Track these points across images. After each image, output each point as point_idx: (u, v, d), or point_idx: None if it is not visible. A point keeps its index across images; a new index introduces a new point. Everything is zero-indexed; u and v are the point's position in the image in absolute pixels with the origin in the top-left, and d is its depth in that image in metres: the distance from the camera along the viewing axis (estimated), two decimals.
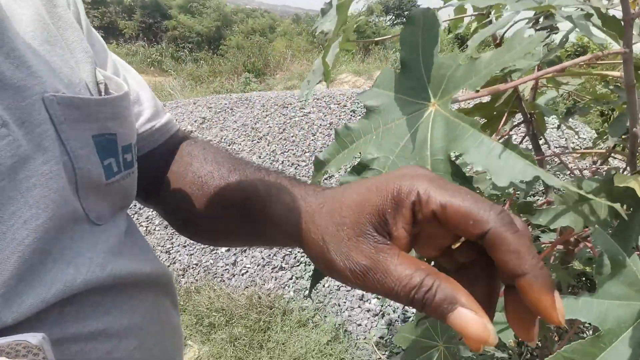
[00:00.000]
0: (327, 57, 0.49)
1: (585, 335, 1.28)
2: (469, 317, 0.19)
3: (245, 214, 0.35)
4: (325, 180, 2.70)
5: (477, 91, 0.34)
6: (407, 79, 0.35)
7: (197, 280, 2.19)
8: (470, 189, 0.29)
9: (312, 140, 3.14)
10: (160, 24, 11.01)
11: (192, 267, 2.27)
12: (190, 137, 0.47)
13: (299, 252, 2.21)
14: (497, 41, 0.65)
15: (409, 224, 0.22)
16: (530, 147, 1.16)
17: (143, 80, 0.44)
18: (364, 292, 1.95)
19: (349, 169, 0.37)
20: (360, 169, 0.35)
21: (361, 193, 0.24)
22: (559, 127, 0.90)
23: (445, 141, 0.32)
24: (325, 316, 1.86)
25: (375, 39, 0.73)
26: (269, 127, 3.35)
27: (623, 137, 0.67)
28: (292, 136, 3.19)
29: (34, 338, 0.22)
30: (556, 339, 1.17)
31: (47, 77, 0.26)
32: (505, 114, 0.72)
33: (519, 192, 0.99)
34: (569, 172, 0.89)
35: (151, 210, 1.47)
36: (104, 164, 0.31)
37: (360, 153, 0.36)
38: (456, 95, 0.33)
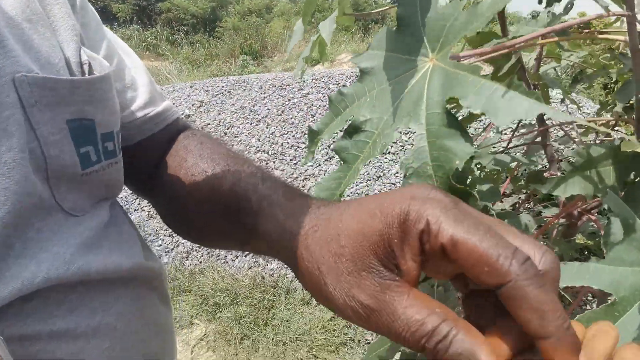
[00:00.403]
0: (324, 32, 0.47)
1: (588, 307, 1.29)
2: None
3: (235, 222, 0.32)
4: (323, 164, 2.70)
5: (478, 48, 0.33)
6: (404, 37, 0.34)
7: (200, 262, 2.21)
8: (468, 141, 0.28)
9: (312, 121, 3.12)
10: (154, 7, 10.78)
11: (196, 250, 2.29)
12: (190, 128, 0.44)
13: None
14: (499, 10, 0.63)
15: (418, 255, 0.19)
16: (533, 120, 1.14)
17: (142, 65, 0.41)
18: None
19: (341, 135, 0.36)
20: (352, 131, 0.34)
21: (362, 219, 0.20)
22: (562, 100, 0.88)
23: (442, 93, 0.30)
24: None
25: (373, 11, 0.70)
26: (268, 109, 3.32)
27: (630, 102, 0.66)
28: (290, 118, 3.16)
29: None
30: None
31: (22, 57, 0.25)
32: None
33: (520, 167, 0.98)
34: (573, 145, 0.88)
35: None
36: (80, 152, 0.28)
37: (353, 117, 0.35)
38: (456, 51, 0.32)
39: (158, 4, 10.80)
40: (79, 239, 0.28)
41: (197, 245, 2.30)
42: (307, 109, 3.23)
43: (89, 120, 0.29)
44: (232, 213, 0.33)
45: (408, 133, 2.79)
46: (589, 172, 0.47)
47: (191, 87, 3.88)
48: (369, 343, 1.63)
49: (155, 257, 0.39)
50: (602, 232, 0.60)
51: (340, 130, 0.37)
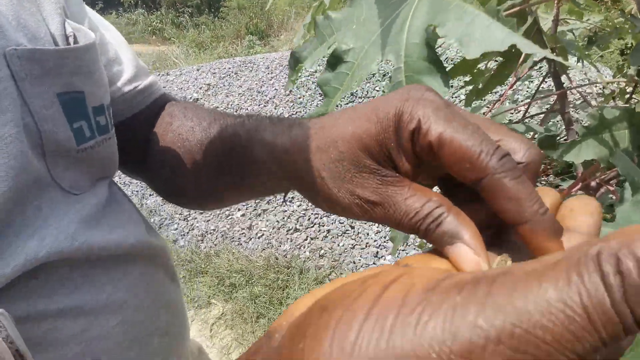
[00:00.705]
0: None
1: None
2: (466, 254, 0.17)
3: (230, 164, 0.32)
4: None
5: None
6: None
7: (215, 245, 2.24)
8: (445, 83, 0.27)
9: (320, 100, 3.08)
10: None
11: (210, 233, 2.32)
12: (175, 99, 0.44)
13: (312, 213, 2.23)
14: None
15: (411, 155, 0.20)
16: (552, 85, 1.09)
17: (123, 39, 0.41)
18: (379, 250, 1.97)
19: (324, 68, 0.35)
20: (334, 63, 0.33)
21: (358, 124, 0.21)
22: (578, 60, 0.84)
23: (426, 21, 0.29)
24: (342, 273, 1.90)
25: None
26: (275, 89, 3.29)
27: None
28: (299, 97, 3.13)
29: None
30: None
31: (11, 31, 0.25)
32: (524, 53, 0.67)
33: (536, 137, 0.95)
34: (591, 108, 0.85)
35: None
36: (73, 127, 0.28)
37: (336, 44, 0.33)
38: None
39: None
40: (79, 215, 0.28)
41: (212, 228, 2.33)
42: (315, 88, 3.19)
43: (79, 92, 0.29)
44: (225, 154, 0.33)
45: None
46: (603, 136, 0.46)
47: (198, 70, 3.86)
48: None
49: (158, 235, 0.39)
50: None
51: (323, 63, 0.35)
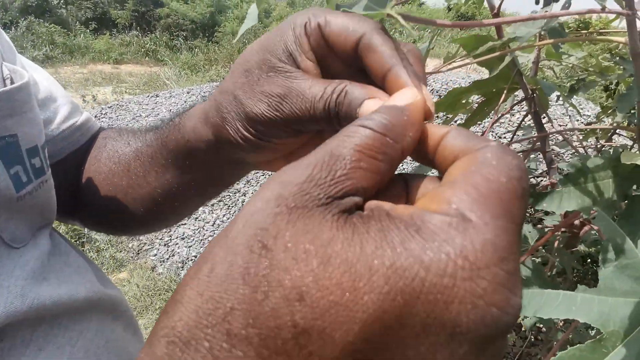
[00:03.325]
0: None
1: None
2: (374, 104, 0.19)
3: (168, 159, 0.33)
4: None
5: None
6: None
7: None
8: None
9: None
10: (153, 12, 10.82)
11: (192, 259, 2.25)
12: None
13: None
14: (495, 11, 0.59)
15: (310, 51, 0.22)
16: (532, 124, 1.10)
17: (53, 79, 0.40)
18: None
19: None
20: None
21: (263, 39, 0.23)
22: (558, 98, 0.84)
23: None
24: None
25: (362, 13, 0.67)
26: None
27: (631, 111, 0.62)
28: None
29: None
30: (561, 324, 1.14)
31: None
32: (505, 91, 0.66)
33: None
34: (573, 150, 0.84)
35: None
36: (10, 174, 0.26)
37: None
38: (449, 55, 0.28)
39: (157, 10, 10.85)
40: (24, 271, 0.27)
41: (194, 254, 2.26)
42: None
43: (12, 136, 0.27)
44: (163, 152, 0.33)
45: None
46: (586, 185, 0.44)
47: (188, 92, 3.86)
48: None
49: (113, 285, 0.37)
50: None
51: None
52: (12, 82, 0.29)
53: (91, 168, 0.39)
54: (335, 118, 0.20)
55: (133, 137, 0.38)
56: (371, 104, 0.19)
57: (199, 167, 0.32)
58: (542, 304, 0.31)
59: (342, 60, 0.22)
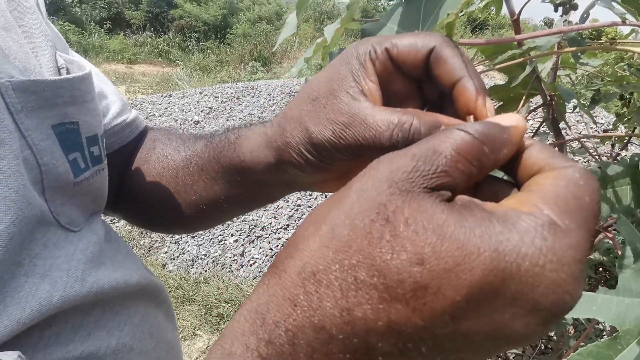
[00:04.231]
0: (327, 33, 0.45)
1: (604, 333, 1.24)
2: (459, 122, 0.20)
3: (219, 173, 0.33)
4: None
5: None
6: (409, 10, 0.33)
7: (205, 270, 2.19)
8: None
9: None
10: (167, 14, 10.95)
11: (201, 258, 2.27)
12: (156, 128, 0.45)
13: None
14: (515, 17, 0.60)
15: (374, 75, 0.23)
16: (548, 131, 1.10)
17: (104, 76, 0.42)
18: None
19: None
20: None
21: (328, 70, 0.25)
22: (574, 108, 0.84)
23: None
24: None
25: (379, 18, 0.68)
26: (276, 116, 3.32)
27: None
28: None
29: (8, 357, 0.20)
30: (572, 332, 1.13)
31: (2, 63, 0.24)
32: (523, 97, 0.67)
33: None
34: (588, 157, 0.84)
35: None
36: (69, 159, 0.27)
37: None
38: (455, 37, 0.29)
39: (171, 11, 10.97)
40: (83, 255, 0.27)
41: (203, 253, 2.28)
42: None
43: (73, 123, 0.28)
44: (215, 163, 0.34)
45: None
46: (605, 192, 0.45)
47: (201, 93, 3.90)
48: None
49: (154, 275, 0.39)
50: (618, 250, 0.56)
51: None
52: (67, 72, 0.30)
53: (140, 168, 0.40)
54: (405, 143, 0.21)
55: (182, 144, 0.39)
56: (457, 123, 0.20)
57: (250, 185, 0.32)
58: None
59: (405, 78, 0.24)
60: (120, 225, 2.51)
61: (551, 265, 0.13)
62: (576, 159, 1.71)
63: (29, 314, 0.22)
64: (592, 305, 0.32)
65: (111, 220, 2.30)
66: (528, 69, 0.53)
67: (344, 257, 0.14)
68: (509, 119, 0.17)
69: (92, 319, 0.27)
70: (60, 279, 0.25)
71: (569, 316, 0.32)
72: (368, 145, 0.22)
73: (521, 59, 0.49)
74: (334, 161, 0.25)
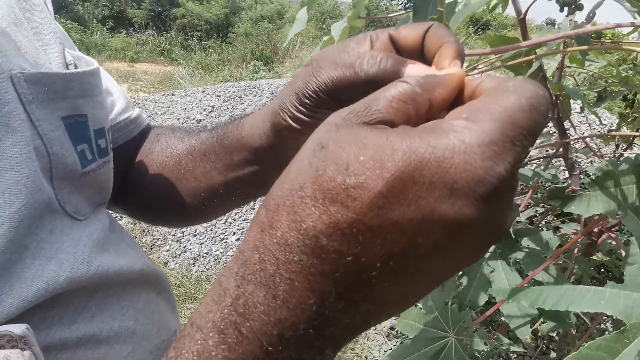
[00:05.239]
0: (334, 31, 0.46)
1: (606, 333, 1.23)
2: (417, 68, 0.22)
3: (219, 155, 0.35)
4: None
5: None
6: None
7: (207, 269, 2.19)
8: None
9: None
10: (169, 12, 10.97)
11: (203, 256, 2.27)
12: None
13: None
14: (522, 16, 0.60)
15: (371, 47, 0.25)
16: (550, 130, 1.10)
17: (108, 74, 0.43)
18: None
19: None
20: None
21: (329, 48, 0.26)
22: (582, 109, 0.85)
23: None
24: None
25: (385, 16, 0.69)
26: None
27: None
28: None
29: (17, 328, 0.21)
30: (574, 332, 1.13)
31: (14, 55, 0.25)
32: None
33: (541, 181, 0.94)
34: (592, 157, 0.84)
35: None
36: (77, 150, 0.28)
37: None
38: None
39: (173, 10, 10.99)
40: (89, 240, 0.28)
41: (205, 251, 2.29)
42: None
43: (82, 115, 0.29)
44: (219, 148, 0.35)
45: None
46: (611, 190, 0.45)
47: (203, 92, 3.91)
48: (376, 359, 1.59)
49: (157, 266, 0.40)
50: (621, 250, 0.56)
51: None
52: (75, 68, 0.31)
53: (143, 160, 0.41)
54: (382, 82, 0.22)
55: (187, 135, 0.40)
56: (414, 67, 0.22)
57: (247, 165, 0.33)
58: (575, 298, 0.33)
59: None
60: (123, 223, 2.51)
61: (460, 148, 0.15)
62: (580, 160, 1.71)
63: (35, 292, 0.23)
64: (600, 299, 0.33)
65: (115, 217, 2.30)
66: (534, 66, 0.53)
67: (294, 184, 0.17)
68: (447, 70, 0.20)
69: (96, 302, 0.28)
70: (66, 261, 0.25)
71: (576, 310, 0.32)
72: (348, 81, 0.23)
73: (527, 58, 0.49)
74: (319, 109, 0.26)
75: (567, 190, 0.68)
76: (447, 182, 0.15)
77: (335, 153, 0.16)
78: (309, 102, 0.25)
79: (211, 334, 0.17)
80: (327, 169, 0.16)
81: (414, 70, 0.22)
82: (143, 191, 0.41)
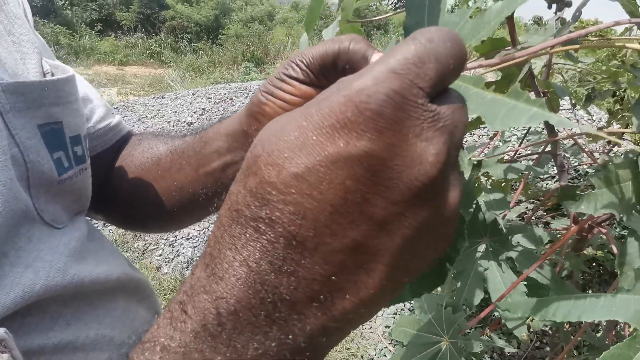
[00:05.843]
0: (326, 36, 0.46)
1: (600, 328, 1.25)
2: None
3: (197, 150, 0.35)
4: None
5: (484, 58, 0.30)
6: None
7: None
8: None
9: None
10: (159, 15, 10.88)
11: (196, 260, 2.25)
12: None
13: None
14: (508, 14, 0.60)
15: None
16: (538, 128, 1.11)
17: (87, 82, 0.43)
18: None
19: None
20: None
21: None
22: (573, 106, 0.85)
23: None
24: None
25: (375, 17, 0.69)
26: None
27: None
28: None
29: None
30: (567, 327, 1.14)
31: None
32: None
33: (530, 175, 0.94)
34: (581, 155, 0.85)
35: None
36: (54, 158, 0.28)
37: None
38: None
39: (162, 12, 10.91)
40: (66, 249, 0.28)
41: (198, 256, 2.27)
42: None
43: (58, 122, 0.29)
44: (193, 146, 0.36)
45: None
46: (614, 187, 0.45)
47: (194, 94, 3.88)
48: (372, 358, 1.59)
49: (140, 272, 0.40)
50: (612, 245, 0.56)
51: None
52: (52, 76, 0.31)
53: (123, 165, 0.41)
54: (345, 55, 0.24)
55: (172, 138, 0.41)
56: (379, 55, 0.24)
57: (219, 156, 0.34)
58: (586, 308, 0.33)
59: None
60: (113, 229, 2.49)
61: (362, 82, 0.16)
62: (568, 156, 1.73)
63: (12, 299, 0.23)
64: (611, 307, 0.33)
65: (104, 224, 2.28)
66: (525, 69, 0.53)
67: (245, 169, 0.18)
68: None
69: (71, 310, 0.28)
70: (43, 269, 0.26)
71: (589, 320, 0.32)
72: (324, 59, 0.25)
73: (518, 60, 0.49)
74: (291, 80, 0.27)
75: (554, 189, 0.69)
76: (340, 120, 0.16)
77: (261, 134, 0.17)
78: (286, 76, 0.27)
79: (162, 317, 0.18)
80: (252, 150, 0.17)
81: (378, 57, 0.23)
82: (122, 195, 0.41)
